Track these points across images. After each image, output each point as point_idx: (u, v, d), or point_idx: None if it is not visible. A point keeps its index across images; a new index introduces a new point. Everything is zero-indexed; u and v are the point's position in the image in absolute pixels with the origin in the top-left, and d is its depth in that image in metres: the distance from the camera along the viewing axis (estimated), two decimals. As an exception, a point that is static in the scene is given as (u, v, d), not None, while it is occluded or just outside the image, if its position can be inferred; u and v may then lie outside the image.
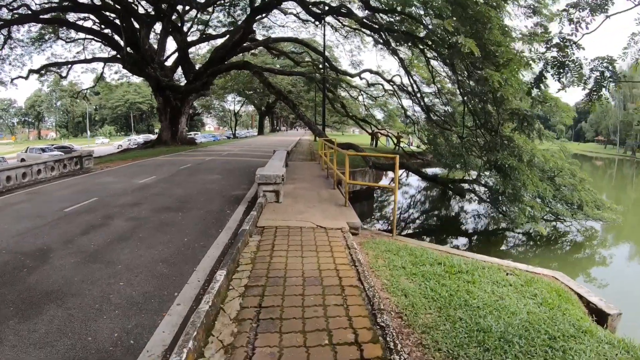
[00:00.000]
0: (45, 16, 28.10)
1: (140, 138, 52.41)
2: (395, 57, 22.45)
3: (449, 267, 5.94)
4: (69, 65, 35.62)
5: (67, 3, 27.68)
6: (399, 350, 3.47)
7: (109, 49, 33.78)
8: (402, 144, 35.40)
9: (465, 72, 14.97)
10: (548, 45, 5.05)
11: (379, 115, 40.88)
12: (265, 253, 5.92)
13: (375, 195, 22.41)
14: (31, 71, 33.12)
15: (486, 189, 16.12)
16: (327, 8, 25.51)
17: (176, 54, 34.70)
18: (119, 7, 27.75)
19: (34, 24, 29.54)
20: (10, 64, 32.12)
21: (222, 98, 71.70)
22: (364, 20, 22.06)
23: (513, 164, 11.99)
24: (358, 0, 22.46)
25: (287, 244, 6.40)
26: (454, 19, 10.67)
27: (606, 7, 4.70)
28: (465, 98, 15.09)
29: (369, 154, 16.93)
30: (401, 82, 29.58)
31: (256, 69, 30.12)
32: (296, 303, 4.35)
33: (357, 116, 38.53)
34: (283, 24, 35.50)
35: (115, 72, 40.30)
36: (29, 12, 26.90)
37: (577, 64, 4.93)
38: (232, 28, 31.92)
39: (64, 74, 37.04)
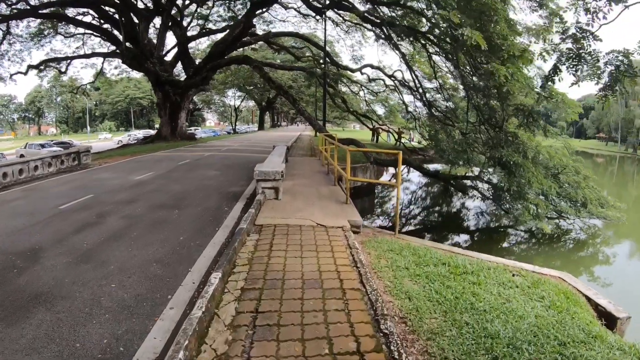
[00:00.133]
0: (44, 11, 27.90)
1: (140, 133, 52.09)
2: (397, 51, 22.21)
3: (453, 267, 5.74)
4: (68, 61, 35.51)
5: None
6: (404, 360, 3.26)
7: (109, 44, 33.61)
8: (403, 140, 35.12)
9: (468, 66, 14.73)
10: (563, 36, 4.76)
11: (380, 110, 40.54)
12: (263, 253, 5.70)
13: (376, 190, 22.20)
14: (30, 67, 32.97)
15: (489, 186, 15.88)
16: (328, 2, 25.24)
17: (176, 49, 34.50)
18: (118, 1, 27.45)
19: (33, 19, 29.35)
20: (9, 59, 32.05)
21: (223, 93, 71.49)
22: (366, 14, 21.79)
23: (518, 161, 11.74)
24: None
25: (286, 243, 6.18)
26: (459, 11, 10.39)
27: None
28: (469, 93, 14.81)
29: (370, 150, 16.69)
30: (402, 78, 29.44)
31: (256, 64, 29.86)
32: (295, 308, 4.13)
33: (358, 111, 38.25)
34: (284, 19, 35.18)
35: (115, 68, 40.25)
36: (28, 7, 26.62)
37: (593, 56, 4.66)
38: (232, 23, 31.69)
39: (63, 70, 36.84)
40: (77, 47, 35.03)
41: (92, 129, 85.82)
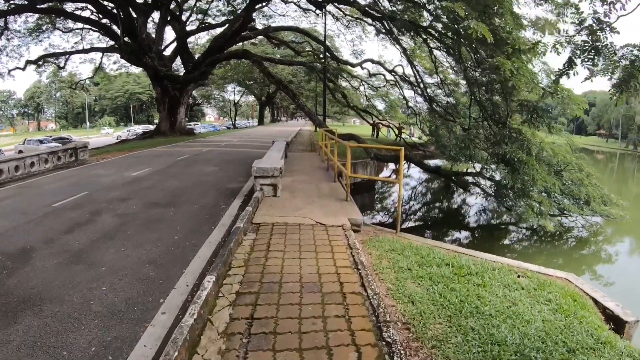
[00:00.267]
0: (43, 6, 27.54)
1: (139, 129, 51.82)
2: (398, 46, 21.91)
3: (457, 268, 5.56)
4: (67, 56, 35.15)
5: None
6: (408, 371, 3.06)
7: (107, 38, 33.24)
8: (403, 135, 34.92)
9: (470, 61, 14.47)
10: (579, 28, 4.50)
11: (380, 105, 40.37)
12: (260, 254, 5.49)
13: (376, 186, 21.99)
14: (28, 62, 32.66)
15: (492, 183, 15.67)
16: (328, -5, 24.92)
17: (175, 44, 34.19)
18: (116, -5, 27.13)
19: (31, 14, 28.99)
20: (7, 55, 31.72)
21: (222, 88, 71.12)
22: (366, 8, 21.51)
23: (523, 158, 11.50)
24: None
25: (284, 243, 5.97)
26: (464, 3, 10.12)
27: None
28: (471, 88, 14.55)
29: (370, 146, 16.47)
30: (403, 72, 29.21)
31: (255, 58, 29.54)
32: (292, 314, 3.92)
33: (358, 107, 38.03)
34: (283, 13, 34.77)
35: (114, 63, 39.88)
36: (26, 1, 26.31)
37: (610, 49, 4.41)
38: (231, 17, 31.33)
39: (61, 65, 36.53)
40: (75, 42, 34.73)
41: (92, 125, 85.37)
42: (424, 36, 17.98)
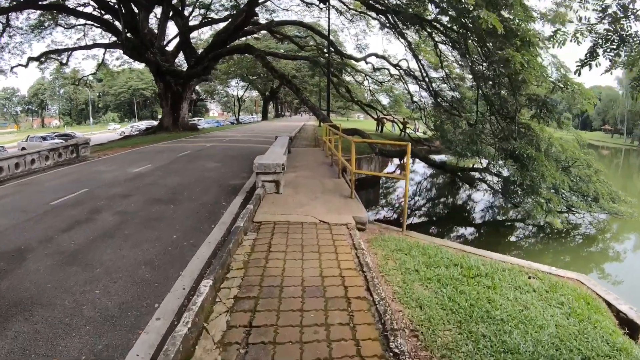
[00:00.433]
0: (44, 2, 27.40)
1: (143, 124, 51.70)
2: (402, 40, 21.62)
3: (466, 269, 5.33)
4: (69, 52, 35.11)
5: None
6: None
7: (110, 34, 33.15)
8: (408, 130, 34.64)
9: (477, 55, 14.16)
10: (602, 15, 4.19)
11: (384, 100, 40.11)
12: (261, 255, 5.27)
13: (380, 181, 21.75)
14: (31, 59, 32.58)
15: (499, 179, 15.40)
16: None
17: (177, 39, 33.97)
18: (117, -10, 26.93)
19: (33, 10, 28.87)
20: (9, 52, 31.69)
21: (226, 83, 70.87)
22: (370, 1, 21.22)
23: (532, 154, 11.20)
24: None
25: (286, 243, 5.74)
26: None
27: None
28: (478, 82, 14.23)
29: (375, 141, 16.23)
30: (408, 67, 28.95)
31: (258, 52, 29.30)
32: (293, 321, 3.69)
33: (362, 101, 37.76)
34: (287, 8, 34.74)
35: (117, 59, 39.76)
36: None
37: (634, 39, 4.11)
38: (234, 12, 31.05)
39: (64, 61, 36.48)
40: (78, 39, 34.66)
41: (95, 121, 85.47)
42: (429, 30, 17.71)
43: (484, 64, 13.80)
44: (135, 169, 13.12)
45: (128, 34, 28.12)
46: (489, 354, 3.47)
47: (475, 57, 14.41)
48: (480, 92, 14.42)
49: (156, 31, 31.51)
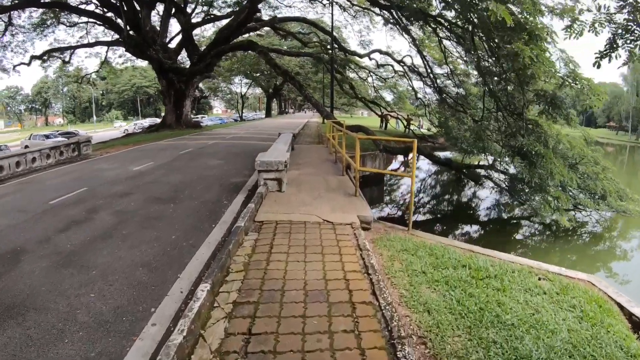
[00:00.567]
0: (46, 0, 27.24)
1: (146, 122, 51.66)
2: (407, 36, 21.36)
3: (474, 270, 5.14)
4: (72, 50, 34.98)
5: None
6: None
7: (112, 32, 32.97)
8: (412, 127, 34.41)
9: (482, 50, 13.89)
10: (622, 3, 3.95)
11: (388, 97, 39.83)
12: (262, 257, 5.08)
13: (385, 179, 21.53)
14: (33, 57, 32.46)
15: (506, 177, 15.16)
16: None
17: (180, 36, 33.82)
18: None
19: (35, 8, 28.75)
20: (12, 50, 31.59)
21: (229, 80, 70.72)
22: (374, -4, 20.94)
23: (540, 151, 10.93)
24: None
25: (288, 244, 5.55)
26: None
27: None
28: (485, 78, 13.96)
29: (379, 138, 16.01)
30: (412, 63, 28.71)
31: (261, 49, 29.05)
32: (295, 328, 3.51)
33: (366, 98, 37.51)
34: (290, 4, 34.16)
35: (120, 56, 39.60)
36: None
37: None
38: (237, 8, 30.83)
39: (67, 59, 36.37)
40: (80, 37, 34.49)
41: (99, 119, 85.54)
42: (434, 25, 17.43)
43: (490, 60, 13.53)
44: (137, 167, 12.97)
45: (130, 32, 28.00)
46: (501, 362, 3.30)
47: (481, 52, 14.13)
48: (486, 88, 14.14)
49: (158, 28, 31.35)
